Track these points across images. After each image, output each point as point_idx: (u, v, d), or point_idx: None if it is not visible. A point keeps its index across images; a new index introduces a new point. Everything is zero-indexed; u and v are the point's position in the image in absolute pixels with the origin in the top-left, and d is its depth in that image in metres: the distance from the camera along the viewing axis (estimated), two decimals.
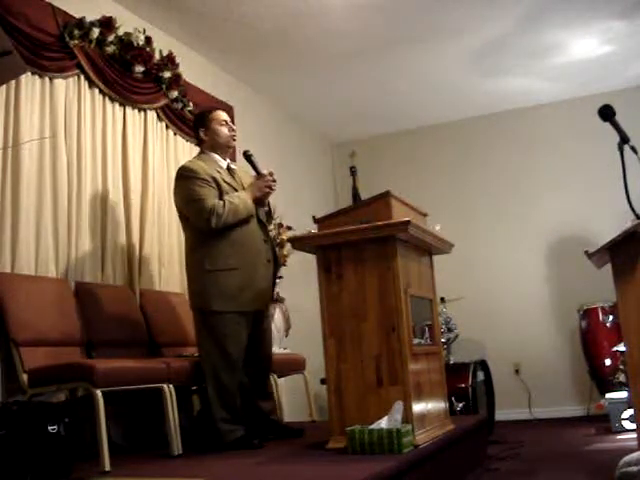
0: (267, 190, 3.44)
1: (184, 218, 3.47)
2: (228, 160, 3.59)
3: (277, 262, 3.66)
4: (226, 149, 3.55)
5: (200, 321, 3.38)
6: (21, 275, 3.30)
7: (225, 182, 3.40)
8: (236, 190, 3.42)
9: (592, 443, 4.31)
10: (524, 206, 6.31)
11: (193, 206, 3.31)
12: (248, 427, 3.35)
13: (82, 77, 3.85)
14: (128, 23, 4.16)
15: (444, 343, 4.80)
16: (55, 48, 3.64)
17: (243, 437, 3.28)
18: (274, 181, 3.46)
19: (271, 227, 4.01)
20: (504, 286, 6.22)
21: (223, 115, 3.57)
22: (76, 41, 3.74)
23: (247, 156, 3.53)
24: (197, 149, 4.81)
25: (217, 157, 3.52)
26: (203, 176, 3.33)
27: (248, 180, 3.54)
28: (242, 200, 3.35)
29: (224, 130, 3.53)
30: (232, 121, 3.68)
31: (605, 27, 5.03)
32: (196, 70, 4.89)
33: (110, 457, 2.77)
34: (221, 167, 3.49)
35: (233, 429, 3.29)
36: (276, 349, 4.60)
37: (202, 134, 3.54)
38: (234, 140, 3.57)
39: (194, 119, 3.79)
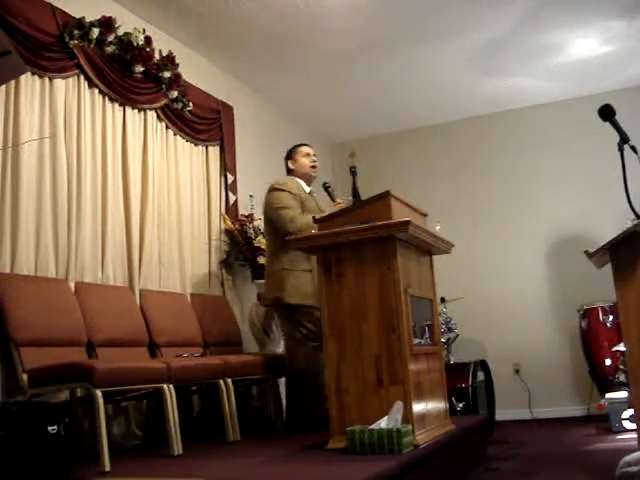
0: None
1: (270, 224, 4.04)
2: (310, 187, 4.19)
3: None
4: (308, 177, 4.18)
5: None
6: (21, 275, 3.30)
7: (319, 209, 4.02)
8: (313, 211, 3.93)
9: (592, 443, 4.31)
10: (524, 206, 6.30)
11: (281, 212, 3.92)
12: None
13: (82, 77, 3.85)
14: (128, 23, 4.16)
15: (444, 343, 4.80)
16: (55, 48, 3.64)
17: None
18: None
19: None
20: (504, 286, 6.22)
21: (306, 149, 4.22)
22: (76, 41, 3.74)
23: (325, 187, 4.20)
24: (196, 149, 4.87)
25: (301, 182, 4.15)
26: (293, 191, 4.00)
27: (324, 205, 4.08)
28: (309, 223, 3.73)
29: (306, 161, 4.19)
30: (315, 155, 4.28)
31: (605, 27, 5.03)
32: (196, 70, 4.89)
33: (110, 457, 2.78)
34: (304, 190, 4.12)
35: None
36: (276, 349, 4.60)
37: (290, 164, 4.22)
38: (314, 170, 4.20)
39: (286, 153, 4.33)
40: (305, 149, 4.22)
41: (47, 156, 3.58)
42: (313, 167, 4.20)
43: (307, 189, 4.18)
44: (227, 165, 5.08)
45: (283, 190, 3.99)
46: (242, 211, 5.09)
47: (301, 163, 4.19)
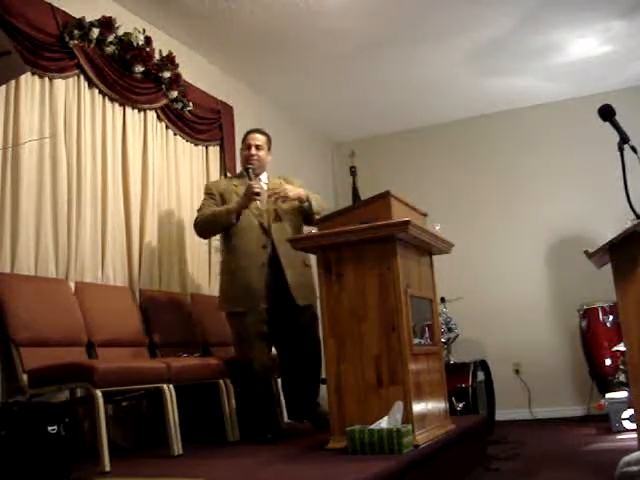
0: (251, 196, 3.63)
1: None
2: (260, 176, 3.89)
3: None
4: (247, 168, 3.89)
5: None
6: (21, 275, 3.30)
7: (238, 195, 3.77)
8: (232, 200, 3.79)
9: (592, 443, 4.31)
10: (524, 205, 6.30)
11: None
12: None
13: (82, 77, 3.85)
14: (128, 23, 4.16)
15: (444, 343, 4.80)
16: (55, 48, 3.64)
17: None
18: (257, 188, 3.64)
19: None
20: (504, 286, 6.22)
21: (247, 140, 3.95)
22: (76, 41, 3.73)
23: (246, 169, 3.86)
24: (196, 149, 4.87)
25: (245, 173, 3.88)
26: (212, 190, 3.90)
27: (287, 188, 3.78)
28: (220, 210, 3.75)
29: (244, 153, 3.95)
30: (258, 146, 3.92)
31: (605, 27, 5.03)
32: (196, 70, 4.89)
33: (110, 457, 2.78)
34: (233, 184, 3.91)
35: None
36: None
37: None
38: (250, 163, 3.84)
39: None
40: (246, 140, 3.97)
41: (47, 156, 3.58)
42: (248, 159, 3.88)
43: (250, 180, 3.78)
44: (227, 165, 5.07)
45: (205, 193, 3.96)
46: None
47: (242, 155, 4.00)
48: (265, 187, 3.81)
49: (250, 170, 3.78)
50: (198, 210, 3.90)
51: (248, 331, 3.62)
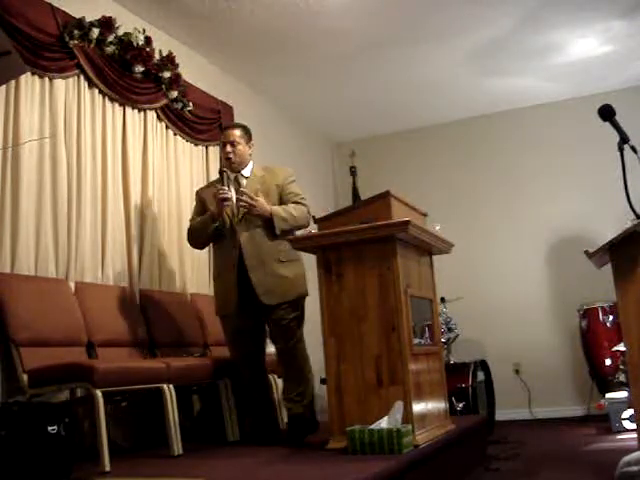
0: (218, 203, 3.54)
1: None
2: (242, 173, 3.73)
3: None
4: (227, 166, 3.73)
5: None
6: (21, 275, 3.30)
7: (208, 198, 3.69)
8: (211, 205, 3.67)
9: (592, 443, 4.31)
10: (524, 205, 6.30)
11: None
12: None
13: (82, 77, 3.85)
14: (128, 23, 4.15)
15: (444, 343, 4.80)
16: (55, 48, 3.64)
17: None
18: (222, 194, 3.52)
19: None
20: (504, 286, 6.22)
21: (222, 137, 3.79)
22: (76, 41, 3.73)
23: (220, 172, 3.71)
24: (196, 149, 4.87)
25: (228, 173, 3.70)
26: (201, 196, 3.81)
27: (269, 184, 3.69)
28: (203, 219, 3.66)
29: (221, 153, 3.78)
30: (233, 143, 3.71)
31: (605, 27, 5.03)
32: (196, 70, 4.89)
33: (110, 457, 2.78)
34: (215, 185, 3.73)
35: None
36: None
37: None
38: (227, 159, 3.70)
39: None
40: (221, 139, 3.82)
41: (47, 156, 3.58)
42: (225, 159, 3.74)
43: (232, 176, 3.71)
44: None
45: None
46: None
47: (220, 156, 3.87)
48: (245, 182, 3.69)
49: (225, 174, 3.64)
50: (190, 220, 3.85)
51: (230, 332, 3.65)
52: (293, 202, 3.65)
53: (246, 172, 3.74)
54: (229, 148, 3.69)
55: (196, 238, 3.78)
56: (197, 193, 3.90)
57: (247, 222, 3.59)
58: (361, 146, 6.80)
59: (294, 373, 3.57)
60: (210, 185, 3.92)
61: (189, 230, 3.80)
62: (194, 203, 3.89)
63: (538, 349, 5.98)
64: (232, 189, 3.64)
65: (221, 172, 3.69)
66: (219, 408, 3.66)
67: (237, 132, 3.74)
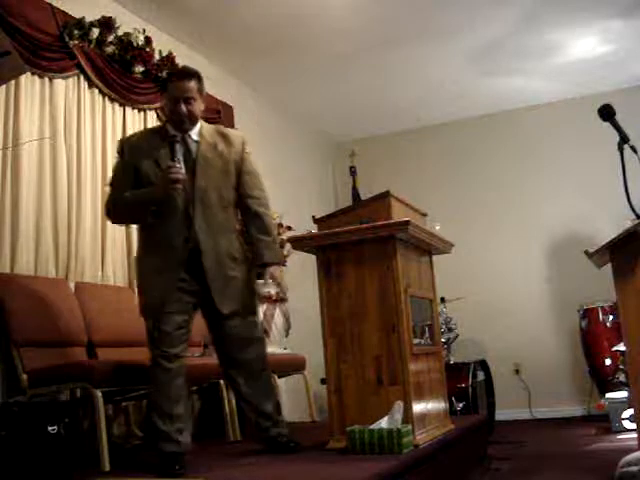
0: (167, 185, 2.75)
1: None
2: (191, 134, 2.97)
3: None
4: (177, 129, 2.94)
5: None
6: (21, 275, 3.30)
7: (158, 166, 2.84)
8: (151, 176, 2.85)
9: (592, 443, 4.31)
10: (524, 205, 6.30)
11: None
12: None
13: (82, 77, 3.85)
14: (128, 23, 4.15)
15: (444, 343, 4.80)
16: (55, 48, 3.64)
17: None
18: (173, 172, 2.74)
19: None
20: (504, 286, 6.22)
21: (174, 89, 2.92)
22: (76, 41, 3.73)
23: (170, 141, 2.86)
24: None
25: (170, 129, 2.94)
26: (125, 161, 2.94)
27: (227, 158, 3.00)
28: (141, 196, 2.84)
29: (170, 107, 2.93)
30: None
31: (605, 27, 5.03)
32: None
33: (110, 457, 2.78)
34: (166, 149, 2.85)
35: None
36: (276, 349, 4.60)
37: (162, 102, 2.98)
38: (180, 122, 2.92)
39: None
40: (171, 91, 2.92)
41: (47, 156, 3.58)
42: (177, 119, 2.92)
43: (178, 136, 2.89)
44: None
45: (117, 154, 2.97)
46: None
47: (167, 110, 2.99)
48: (194, 148, 2.93)
49: (176, 146, 2.81)
50: (114, 188, 2.92)
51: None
52: (256, 205, 3.01)
53: (194, 134, 2.98)
54: (184, 108, 2.87)
55: (124, 217, 3.02)
56: (121, 146, 2.97)
57: (203, 206, 2.87)
58: (361, 146, 6.80)
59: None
60: (142, 138, 3.01)
61: (115, 203, 2.90)
62: (116, 158, 3.02)
63: (538, 349, 5.98)
64: (182, 161, 2.82)
65: (171, 141, 2.83)
66: (219, 408, 3.66)
67: (194, 85, 2.96)
